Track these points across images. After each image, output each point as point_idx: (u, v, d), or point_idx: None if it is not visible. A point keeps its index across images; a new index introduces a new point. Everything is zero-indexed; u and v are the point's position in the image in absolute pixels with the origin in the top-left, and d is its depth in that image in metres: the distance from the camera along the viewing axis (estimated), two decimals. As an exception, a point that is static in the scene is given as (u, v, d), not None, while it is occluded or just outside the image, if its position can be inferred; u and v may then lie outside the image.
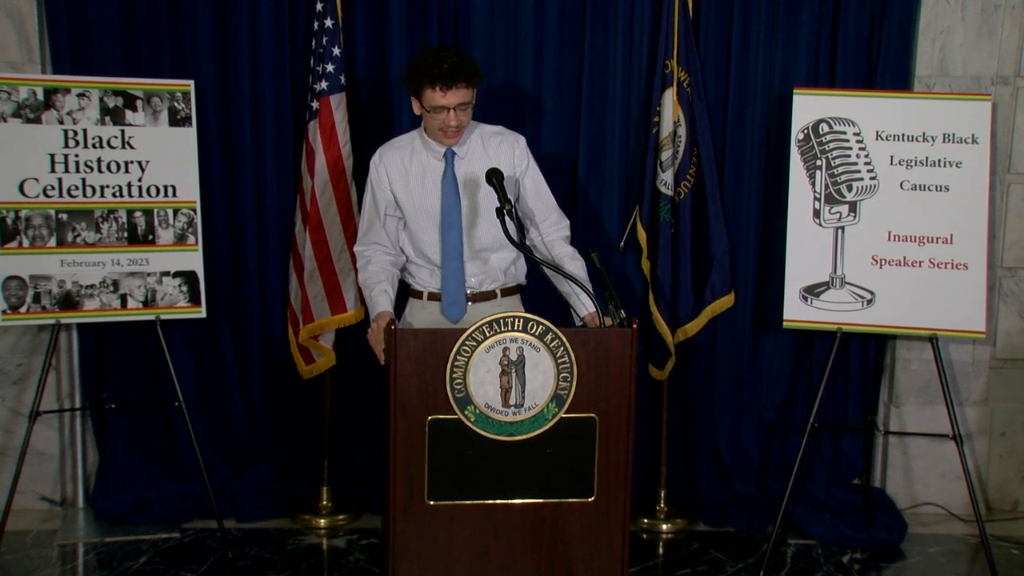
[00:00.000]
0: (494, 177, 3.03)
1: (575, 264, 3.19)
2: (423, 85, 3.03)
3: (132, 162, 3.81)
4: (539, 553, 2.82)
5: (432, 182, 3.18)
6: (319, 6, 3.84)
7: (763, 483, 4.31)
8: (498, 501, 2.78)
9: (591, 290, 3.01)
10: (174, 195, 3.85)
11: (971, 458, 4.16)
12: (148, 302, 3.84)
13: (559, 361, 2.73)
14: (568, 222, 3.34)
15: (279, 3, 3.99)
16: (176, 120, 3.84)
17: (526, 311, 2.98)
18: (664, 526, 4.10)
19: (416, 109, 3.13)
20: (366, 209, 3.28)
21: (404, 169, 3.20)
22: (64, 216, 3.75)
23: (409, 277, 3.32)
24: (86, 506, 4.12)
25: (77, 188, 3.75)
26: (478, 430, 2.73)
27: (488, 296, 3.25)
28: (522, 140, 3.28)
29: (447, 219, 3.16)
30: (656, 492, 4.18)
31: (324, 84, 3.82)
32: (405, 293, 3.36)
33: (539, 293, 3.44)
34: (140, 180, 3.81)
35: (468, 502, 2.77)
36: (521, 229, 3.27)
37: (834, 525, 4.02)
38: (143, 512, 4.03)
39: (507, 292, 3.30)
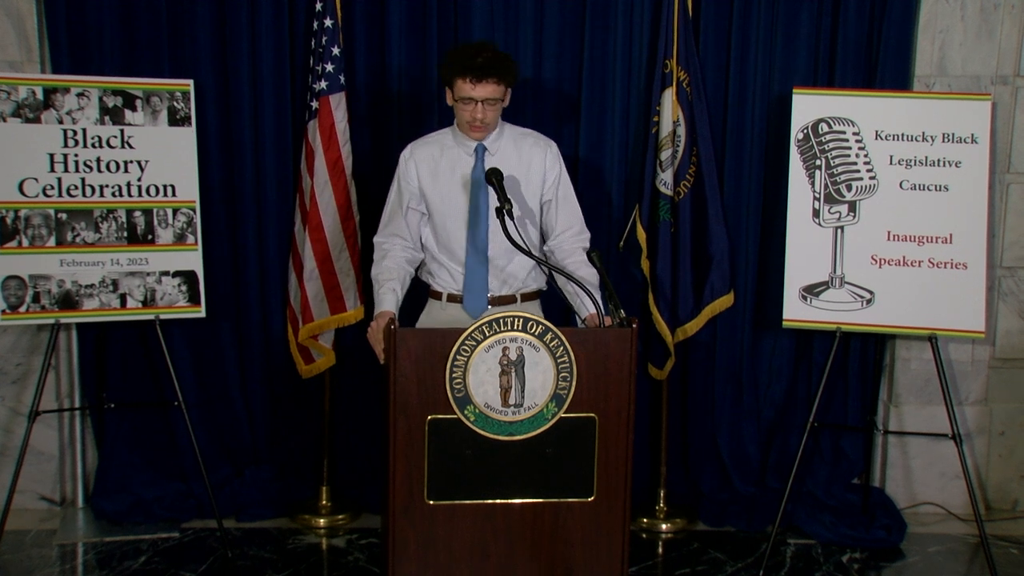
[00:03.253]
0: (494, 177, 3.04)
1: (587, 271, 3.18)
2: (456, 75, 3.10)
3: (131, 162, 3.80)
4: (539, 553, 2.82)
5: (462, 177, 3.20)
6: (318, 6, 3.83)
7: (763, 483, 4.31)
8: (498, 501, 2.79)
9: (596, 295, 3.01)
10: (173, 195, 3.85)
11: (970, 458, 4.17)
12: (147, 302, 3.84)
13: (559, 361, 2.73)
14: (589, 234, 3.35)
15: (279, 3, 3.99)
16: (176, 120, 3.83)
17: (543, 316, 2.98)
18: (664, 526, 4.10)
19: (448, 99, 3.21)
20: (390, 202, 3.32)
21: (435, 164, 3.23)
22: (63, 216, 3.74)
23: (429, 277, 3.32)
24: (86, 506, 4.11)
25: (76, 188, 3.75)
26: (478, 430, 2.74)
27: (507, 300, 3.25)
28: (554, 146, 3.31)
29: (474, 214, 3.17)
30: (656, 492, 4.18)
31: (324, 84, 3.81)
32: (420, 293, 3.36)
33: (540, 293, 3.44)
34: (139, 180, 3.81)
35: (468, 502, 2.78)
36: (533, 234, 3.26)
37: (834, 524, 4.02)
38: (143, 512, 4.02)
39: (527, 297, 3.30)
